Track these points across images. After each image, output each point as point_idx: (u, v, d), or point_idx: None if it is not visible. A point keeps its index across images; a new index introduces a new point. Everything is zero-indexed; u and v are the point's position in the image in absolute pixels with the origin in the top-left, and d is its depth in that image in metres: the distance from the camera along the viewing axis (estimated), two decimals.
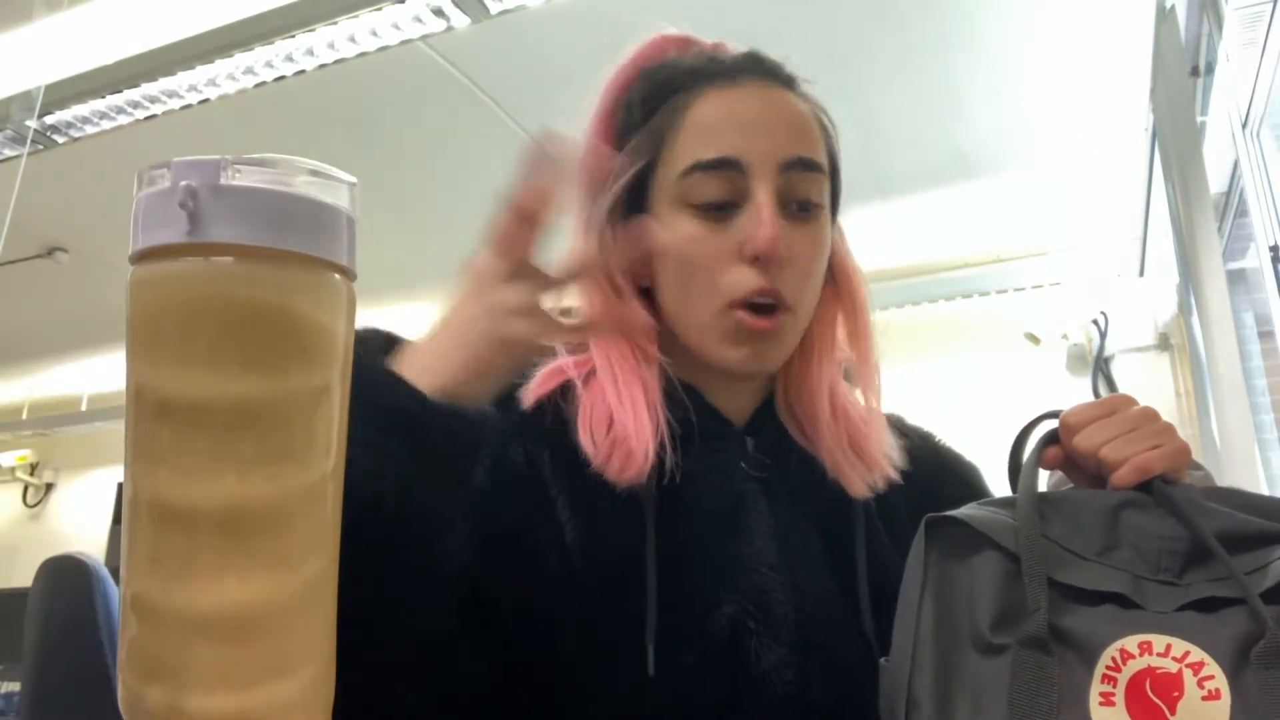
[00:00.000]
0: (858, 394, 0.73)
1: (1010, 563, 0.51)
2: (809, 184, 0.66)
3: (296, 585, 0.32)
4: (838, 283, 0.72)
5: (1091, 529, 0.52)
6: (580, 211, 0.68)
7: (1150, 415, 0.58)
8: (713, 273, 0.64)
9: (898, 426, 0.75)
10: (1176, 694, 0.45)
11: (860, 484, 0.68)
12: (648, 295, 0.69)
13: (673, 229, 0.65)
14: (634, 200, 0.67)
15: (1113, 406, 0.58)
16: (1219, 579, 0.49)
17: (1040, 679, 0.47)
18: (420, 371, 0.51)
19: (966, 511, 0.55)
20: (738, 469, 0.67)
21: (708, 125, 0.65)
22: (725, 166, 0.63)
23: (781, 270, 0.63)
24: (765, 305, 0.64)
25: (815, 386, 0.70)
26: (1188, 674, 0.45)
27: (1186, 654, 0.46)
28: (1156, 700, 0.45)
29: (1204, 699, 0.44)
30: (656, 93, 0.68)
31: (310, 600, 0.32)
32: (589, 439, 0.62)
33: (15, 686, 3.25)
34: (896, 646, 0.53)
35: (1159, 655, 0.46)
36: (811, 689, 0.59)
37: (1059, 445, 0.60)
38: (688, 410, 0.66)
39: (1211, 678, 0.45)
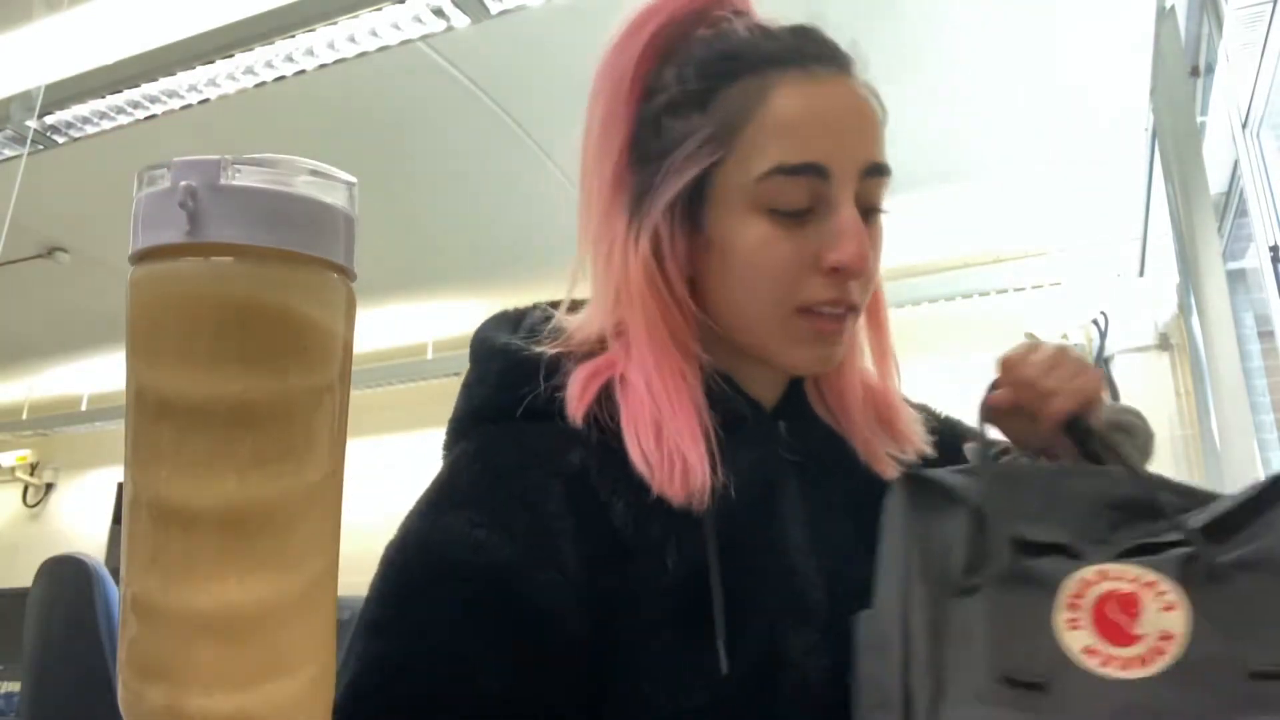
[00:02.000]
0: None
1: (975, 518, 0.59)
2: (880, 189, 0.63)
3: (297, 585, 0.32)
4: None
5: (1034, 494, 0.60)
6: (607, 192, 0.64)
7: (1065, 350, 0.68)
8: (785, 279, 0.61)
9: (914, 408, 0.76)
10: (1136, 610, 0.50)
11: (891, 465, 0.68)
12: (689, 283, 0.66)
13: (744, 230, 0.61)
14: (696, 192, 0.62)
15: (1035, 346, 0.68)
16: (1145, 536, 0.55)
17: (1013, 607, 0.53)
18: None
19: (936, 473, 0.64)
20: (773, 454, 0.66)
21: (791, 124, 0.60)
22: (810, 172, 0.60)
23: (855, 279, 0.62)
24: (835, 311, 0.62)
25: (847, 370, 0.70)
26: (1144, 591, 0.50)
27: (1139, 577, 0.51)
28: (1119, 618, 0.50)
29: (1162, 609, 0.49)
30: (719, 68, 0.62)
31: (310, 600, 0.32)
32: (639, 453, 0.59)
33: (15, 686, 3.25)
34: (883, 593, 0.58)
35: (1115, 579, 0.52)
36: (846, 674, 0.59)
37: (1000, 390, 0.69)
38: (731, 403, 0.64)
39: (1165, 592, 0.50)
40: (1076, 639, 0.50)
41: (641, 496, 0.59)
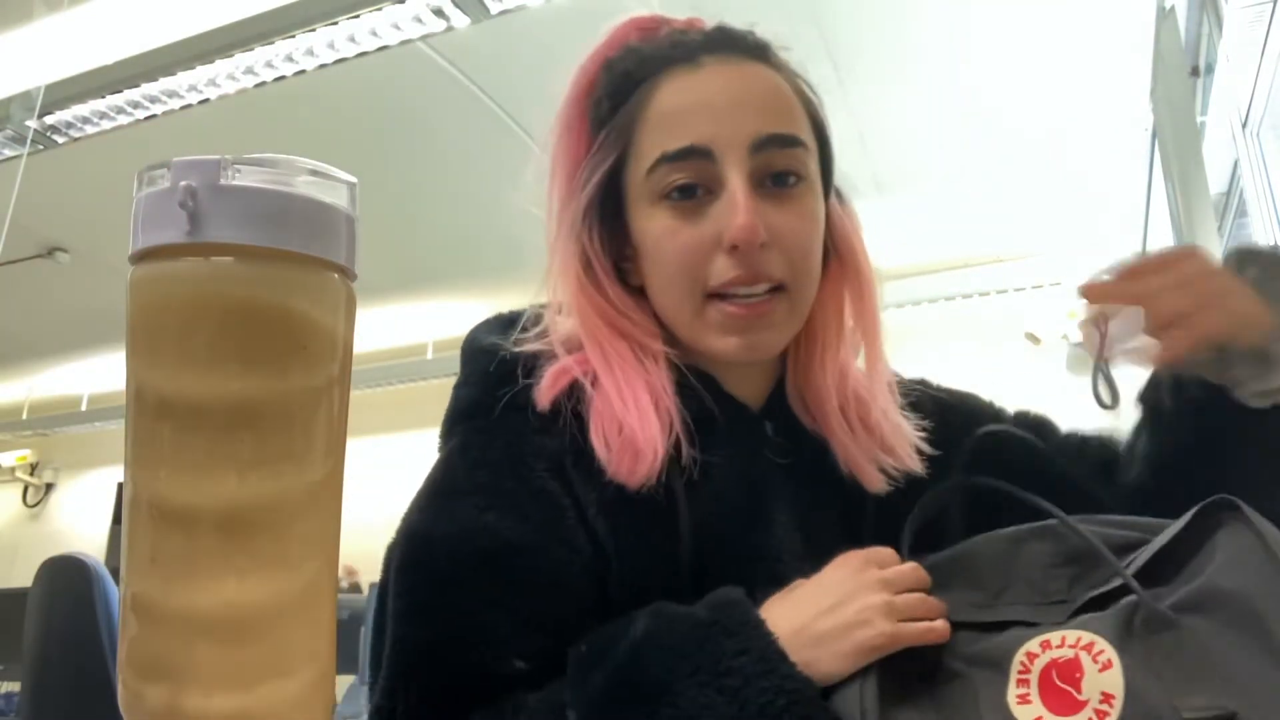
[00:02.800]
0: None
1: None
2: (786, 159, 0.62)
3: (296, 585, 0.32)
4: (842, 259, 0.69)
5: (989, 577, 0.59)
6: (556, 215, 0.68)
7: (1205, 269, 0.60)
8: (693, 266, 0.62)
9: (898, 387, 0.73)
10: (1078, 674, 0.51)
11: (875, 476, 0.66)
12: (642, 292, 0.68)
13: (650, 225, 0.64)
14: (611, 198, 0.66)
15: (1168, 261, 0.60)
16: (1100, 584, 0.56)
17: (966, 692, 0.54)
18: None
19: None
20: (760, 455, 0.66)
21: (670, 114, 0.63)
22: (692, 155, 0.61)
23: (767, 253, 0.61)
24: (752, 293, 0.62)
25: (819, 373, 0.68)
26: (1083, 655, 0.52)
27: (1079, 640, 0.53)
28: (1064, 686, 0.51)
29: (1100, 670, 0.51)
30: (620, 85, 0.66)
31: (310, 600, 0.32)
32: (602, 443, 0.60)
33: (15, 686, 3.25)
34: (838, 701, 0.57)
35: (1057, 647, 0.53)
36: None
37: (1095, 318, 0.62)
38: (703, 400, 0.64)
39: (1102, 652, 0.52)
40: (1027, 713, 0.51)
41: (610, 494, 0.60)
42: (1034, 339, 3.14)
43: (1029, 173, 2.75)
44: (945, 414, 0.73)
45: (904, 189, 2.80)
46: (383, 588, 0.61)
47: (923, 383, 0.78)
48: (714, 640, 0.52)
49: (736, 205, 0.60)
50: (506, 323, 0.70)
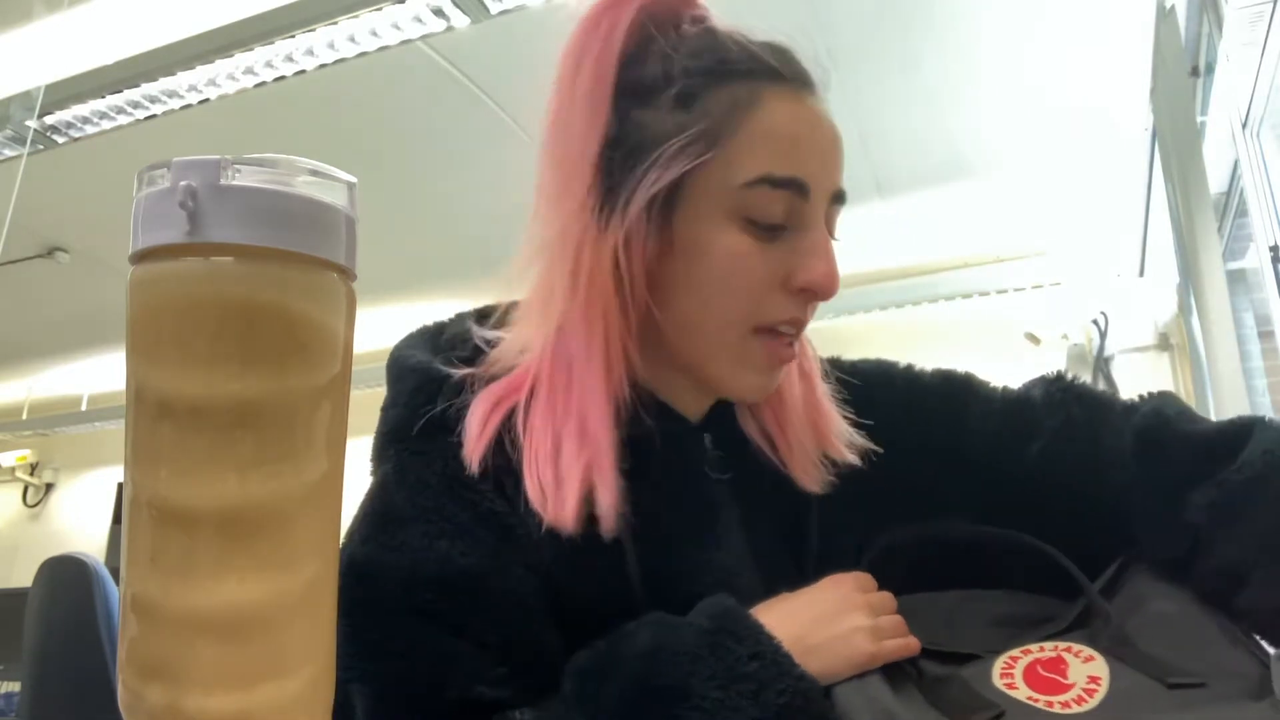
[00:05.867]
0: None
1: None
2: (837, 216, 0.64)
3: (296, 585, 0.32)
4: None
5: (936, 619, 0.64)
6: (562, 168, 0.61)
7: None
8: (753, 294, 0.60)
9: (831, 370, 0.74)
10: (1064, 665, 0.56)
11: (814, 478, 0.68)
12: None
13: (718, 237, 0.59)
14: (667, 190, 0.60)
15: None
16: (1041, 638, 0.60)
17: (951, 689, 0.57)
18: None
19: None
20: (701, 471, 0.65)
21: (782, 136, 0.59)
22: (793, 187, 0.59)
23: (814, 303, 0.62)
24: (792, 335, 0.62)
25: (787, 388, 0.68)
26: (1065, 653, 0.57)
27: (1056, 645, 0.58)
28: (1050, 675, 0.55)
29: (1084, 661, 0.56)
30: (710, 68, 0.60)
31: (310, 600, 0.32)
32: (535, 484, 0.57)
33: (15, 686, 3.25)
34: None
35: (1037, 652, 0.58)
36: None
37: None
38: (644, 421, 0.61)
39: (1082, 650, 0.57)
40: (1018, 694, 0.55)
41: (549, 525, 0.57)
42: (1034, 339, 3.14)
43: (1029, 173, 2.75)
44: (868, 392, 0.74)
45: (904, 189, 2.80)
46: None
47: (833, 362, 0.76)
48: (724, 646, 0.53)
49: (823, 252, 0.60)
50: (433, 334, 0.67)
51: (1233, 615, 0.56)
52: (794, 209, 0.60)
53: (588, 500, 0.57)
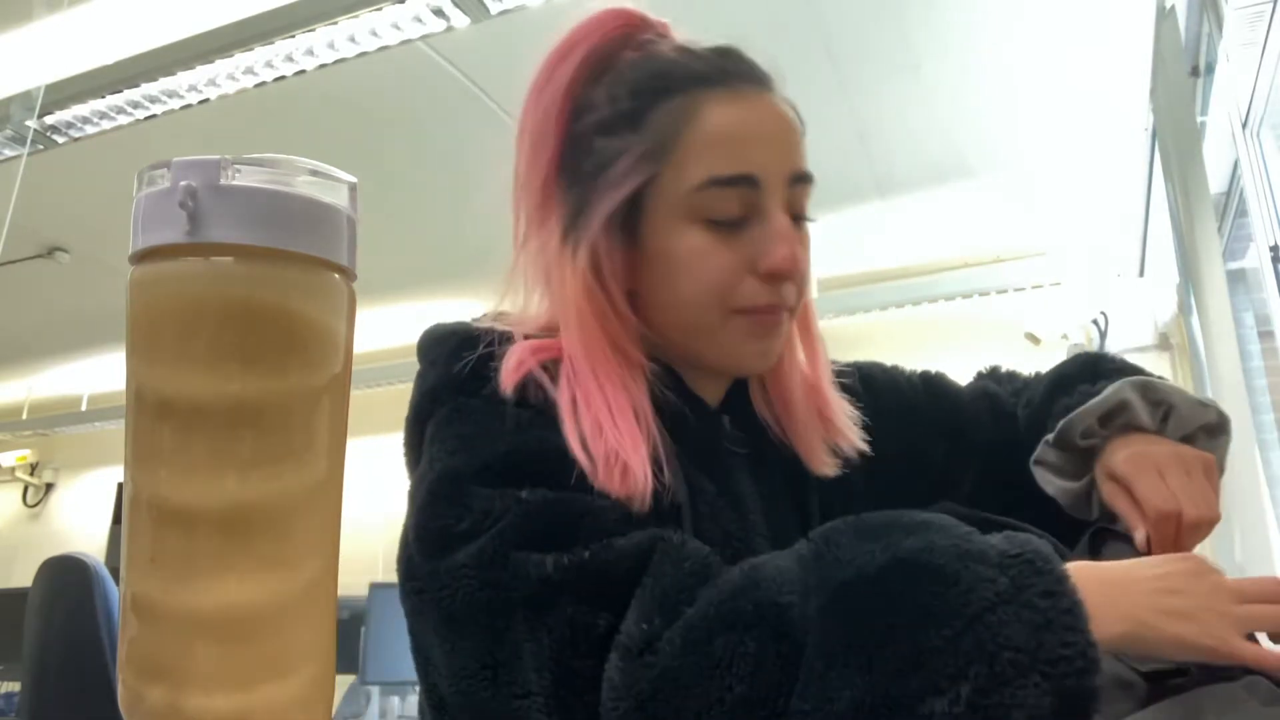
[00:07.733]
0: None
1: None
2: (805, 196, 0.67)
3: (296, 585, 0.32)
4: None
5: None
6: (531, 198, 0.67)
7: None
8: (723, 285, 0.64)
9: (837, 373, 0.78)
10: None
11: (824, 460, 0.72)
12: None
13: (681, 240, 0.64)
14: (627, 206, 0.65)
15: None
16: None
17: None
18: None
19: None
20: (721, 446, 0.69)
21: (722, 138, 0.64)
22: (742, 183, 0.63)
23: (787, 282, 0.65)
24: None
25: (787, 372, 0.73)
26: None
27: None
28: None
29: None
30: (649, 87, 0.65)
31: (310, 600, 0.32)
32: (579, 446, 0.58)
33: (15, 686, 3.25)
34: None
35: None
36: None
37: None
38: (671, 399, 0.66)
39: None
40: None
41: None
42: (1034, 339, 3.13)
43: (1029, 173, 2.74)
44: (871, 390, 0.80)
45: (904, 189, 2.80)
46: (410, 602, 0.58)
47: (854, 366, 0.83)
48: (1020, 571, 0.47)
49: (781, 236, 0.63)
50: (464, 321, 0.69)
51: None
52: (749, 201, 0.64)
53: (631, 477, 0.57)
